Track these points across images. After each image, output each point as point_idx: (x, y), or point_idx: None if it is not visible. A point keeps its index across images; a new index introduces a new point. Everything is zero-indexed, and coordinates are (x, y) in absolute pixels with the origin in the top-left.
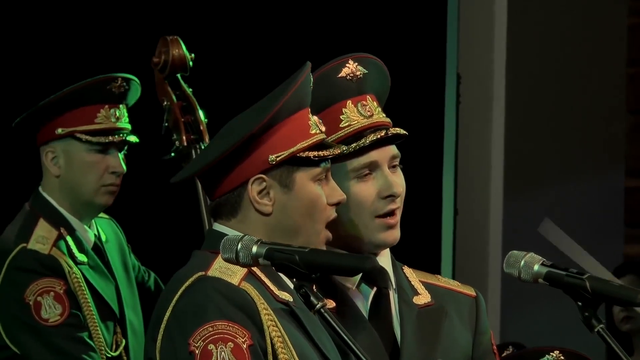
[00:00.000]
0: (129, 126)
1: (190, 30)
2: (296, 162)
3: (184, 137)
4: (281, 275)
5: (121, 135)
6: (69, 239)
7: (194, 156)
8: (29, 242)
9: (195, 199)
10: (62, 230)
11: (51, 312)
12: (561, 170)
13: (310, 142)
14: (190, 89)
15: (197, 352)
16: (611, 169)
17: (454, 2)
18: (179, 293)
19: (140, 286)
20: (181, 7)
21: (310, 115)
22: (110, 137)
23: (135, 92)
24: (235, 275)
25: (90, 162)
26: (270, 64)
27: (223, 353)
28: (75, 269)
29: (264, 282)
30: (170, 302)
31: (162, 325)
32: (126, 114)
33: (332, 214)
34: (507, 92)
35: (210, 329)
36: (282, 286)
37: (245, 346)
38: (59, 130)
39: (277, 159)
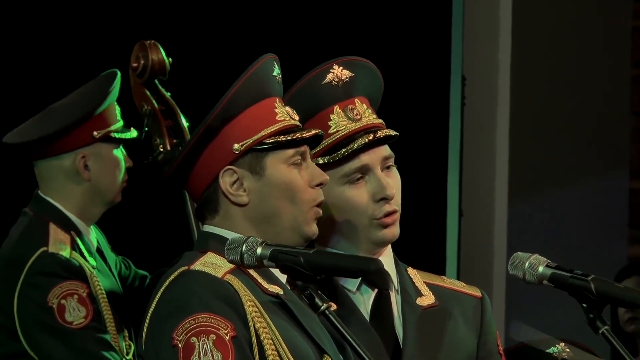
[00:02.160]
0: None
1: (167, 34)
2: (264, 148)
3: (167, 141)
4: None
5: (130, 132)
6: (79, 243)
7: None
8: (49, 245)
9: (182, 201)
10: (73, 234)
11: (75, 314)
12: (566, 172)
13: (276, 128)
14: (169, 93)
15: (180, 345)
16: (615, 170)
17: (458, 4)
18: (162, 288)
19: (124, 280)
20: (157, 10)
21: (277, 104)
22: (129, 134)
23: None
24: (220, 269)
25: (118, 159)
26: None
27: (205, 345)
28: (94, 272)
29: (252, 276)
30: (155, 297)
31: (147, 321)
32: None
33: (317, 196)
34: (512, 94)
35: (193, 322)
36: (272, 279)
37: (227, 338)
38: (95, 133)
39: (242, 147)
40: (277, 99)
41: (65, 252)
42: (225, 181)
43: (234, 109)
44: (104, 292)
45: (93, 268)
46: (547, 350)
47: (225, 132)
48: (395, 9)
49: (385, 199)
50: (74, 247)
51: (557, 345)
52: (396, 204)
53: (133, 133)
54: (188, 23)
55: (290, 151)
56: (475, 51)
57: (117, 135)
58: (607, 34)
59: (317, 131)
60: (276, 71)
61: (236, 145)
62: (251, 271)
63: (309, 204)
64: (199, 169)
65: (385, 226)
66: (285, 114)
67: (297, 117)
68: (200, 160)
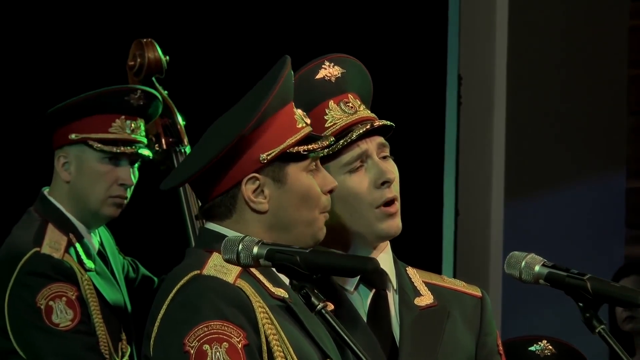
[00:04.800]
0: (144, 140)
1: (163, 33)
2: (287, 157)
3: (163, 140)
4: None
5: (134, 147)
6: (77, 245)
7: (173, 159)
8: (42, 246)
9: (177, 200)
10: (71, 236)
11: (62, 317)
12: (562, 171)
13: (298, 137)
14: (166, 92)
15: (191, 352)
16: (612, 170)
17: (455, 3)
18: (174, 292)
19: (132, 281)
20: (153, 9)
21: (294, 110)
22: (122, 148)
23: (155, 109)
24: (230, 273)
25: (101, 171)
26: (249, 65)
27: (218, 353)
28: (86, 275)
29: (258, 279)
30: (165, 300)
31: (157, 324)
32: (143, 128)
33: (328, 203)
34: (508, 93)
35: (205, 329)
36: (278, 282)
37: (240, 346)
38: (73, 136)
39: (268, 157)
40: (293, 104)
41: (58, 254)
42: (248, 188)
43: (262, 118)
44: (95, 295)
45: (90, 270)
46: (530, 348)
47: (251, 140)
48: (391, 8)
49: (387, 183)
50: (69, 249)
51: (538, 343)
52: (396, 190)
53: (126, 149)
54: (185, 21)
55: (308, 160)
56: (472, 50)
57: (95, 145)
58: (604, 33)
59: (331, 140)
60: (293, 75)
61: (263, 155)
62: (257, 274)
63: (320, 211)
64: (220, 173)
65: (389, 215)
66: (302, 121)
67: (309, 121)
68: (223, 165)
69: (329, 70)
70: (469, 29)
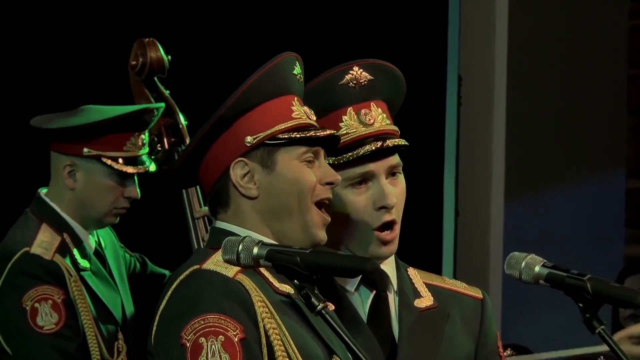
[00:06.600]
0: (147, 150)
1: (165, 32)
2: (277, 143)
3: (165, 140)
4: None
5: (143, 165)
6: (71, 244)
7: (175, 159)
8: (32, 246)
9: (179, 200)
10: (65, 236)
11: (47, 319)
12: (562, 171)
13: (290, 125)
14: (168, 91)
15: (188, 345)
16: (612, 170)
17: (455, 4)
18: (174, 286)
19: (139, 277)
20: (155, 8)
21: (295, 102)
22: (133, 168)
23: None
24: (231, 268)
25: (110, 186)
26: (251, 65)
27: (214, 346)
28: (75, 276)
29: (263, 275)
30: (166, 295)
31: (157, 318)
32: (147, 138)
33: (325, 192)
34: (508, 94)
35: (202, 322)
36: (284, 279)
37: (236, 340)
38: (86, 150)
39: (255, 140)
40: (296, 98)
41: (48, 254)
42: (236, 173)
43: (248, 102)
44: (84, 296)
45: (85, 270)
46: None
47: (238, 124)
48: (392, 9)
49: (385, 208)
50: (62, 249)
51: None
52: (397, 214)
53: (138, 168)
54: (187, 21)
55: (303, 148)
56: (472, 51)
57: (109, 162)
58: (604, 33)
59: (332, 131)
60: (297, 70)
61: (249, 138)
62: (263, 270)
63: (315, 198)
64: (210, 160)
65: (384, 243)
66: (302, 113)
67: (314, 118)
68: (212, 152)
69: (356, 76)
70: (469, 30)
